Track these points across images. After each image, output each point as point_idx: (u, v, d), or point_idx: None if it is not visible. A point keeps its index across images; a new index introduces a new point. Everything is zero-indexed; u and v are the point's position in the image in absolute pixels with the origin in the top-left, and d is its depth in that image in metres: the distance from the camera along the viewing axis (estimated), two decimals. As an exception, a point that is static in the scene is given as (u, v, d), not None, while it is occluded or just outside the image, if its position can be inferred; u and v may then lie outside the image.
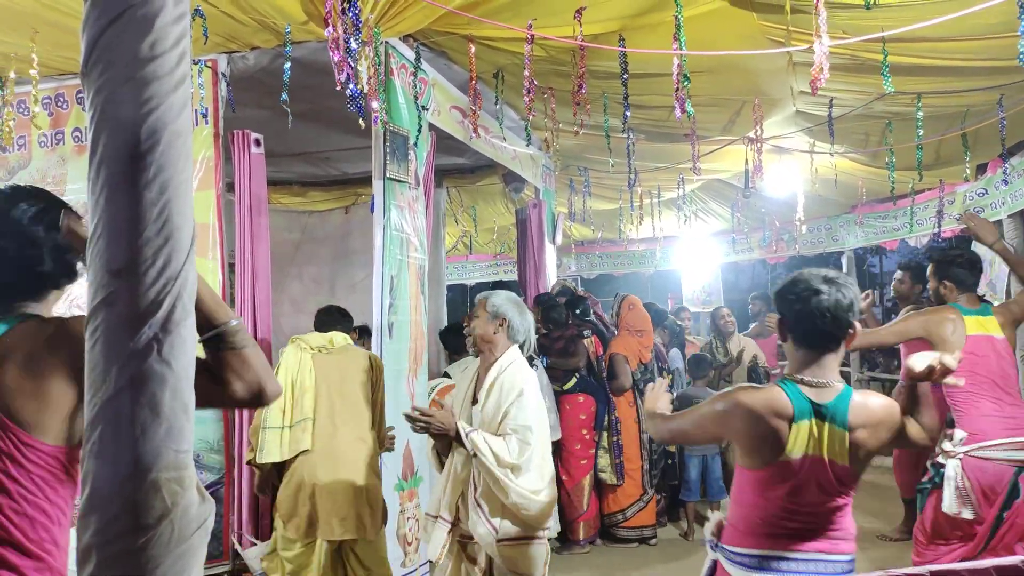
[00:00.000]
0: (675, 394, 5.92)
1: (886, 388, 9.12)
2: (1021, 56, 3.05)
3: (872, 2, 3.05)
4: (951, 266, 3.69)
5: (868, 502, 6.10)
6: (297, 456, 3.46)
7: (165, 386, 1.02)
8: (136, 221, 1.01)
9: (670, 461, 5.81)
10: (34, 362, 1.43)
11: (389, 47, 3.88)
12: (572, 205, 8.12)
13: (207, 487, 2.15)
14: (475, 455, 2.73)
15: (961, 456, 3.36)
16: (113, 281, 1.02)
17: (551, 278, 7.08)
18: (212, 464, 3.94)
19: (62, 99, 4.37)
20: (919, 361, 2.08)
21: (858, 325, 2.08)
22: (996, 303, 6.00)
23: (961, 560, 3.24)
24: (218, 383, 1.39)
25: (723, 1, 3.64)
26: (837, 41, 3.44)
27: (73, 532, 1.11)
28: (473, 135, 4.79)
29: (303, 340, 3.65)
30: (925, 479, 3.63)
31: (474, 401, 2.98)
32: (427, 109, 4.29)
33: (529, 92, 3.78)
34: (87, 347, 1.04)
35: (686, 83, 3.23)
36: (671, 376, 6.11)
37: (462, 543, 2.94)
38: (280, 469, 3.55)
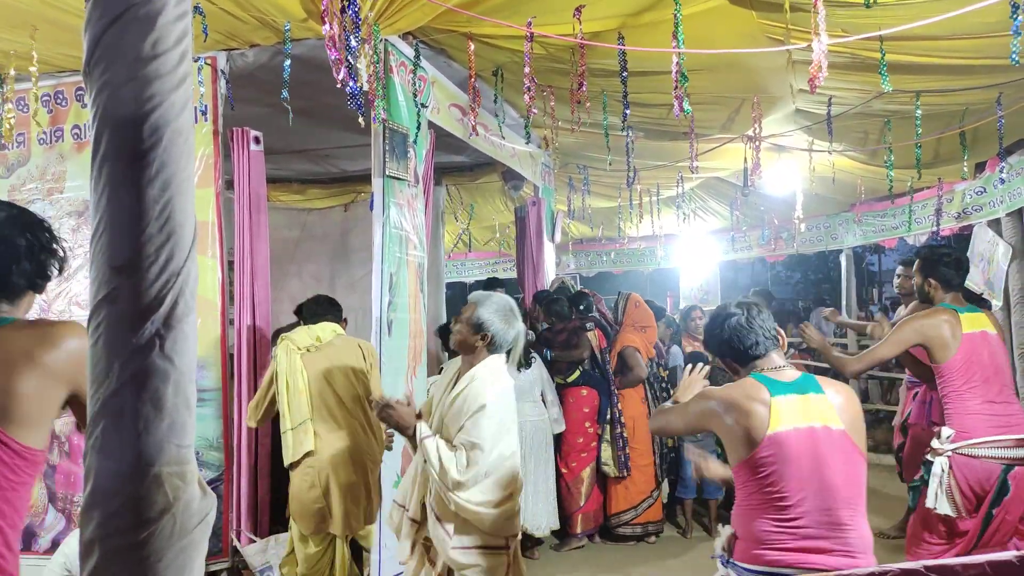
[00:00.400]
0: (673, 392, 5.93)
1: (884, 386, 9.13)
2: (1014, 55, 3.04)
3: (871, 1, 3.06)
4: (938, 265, 3.66)
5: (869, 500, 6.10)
6: (304, 457, 3.52)
7: (167, 381, 1.03)
8: (138, 218, 1.02)
9: (672, 455, 5.82)
10: (11, 365, 1.44)
11: (388, 45, 3.89)
12: (571, 203, 8.12)
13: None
14: (425, 461, 2.68)
15: (949, 453, 3.37)
16: (115, 277, 1.02)
17: (550, 276, 7.09)
18: (211, 461, 3.95)
19: (61, 96, 4.37)
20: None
21: (781, 332, 2.38)
22: (995, 302, 6.05)
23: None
24: None
25: (722, -1, 3.65)
26: (836, 39, 3.45)
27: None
28: (472, 133, 4.80)
29: (291, 339, 3.67)
30: (917, 476, 3.65)
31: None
32: (426, 107, 4.29)
33: (529, 90, 3.79)
34: (90, 343, 1.05)
35: (684, 82, 3.24)
36: (668, 372, 6.11)
37: (426, 545, 2.87)
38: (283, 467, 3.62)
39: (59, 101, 4.37)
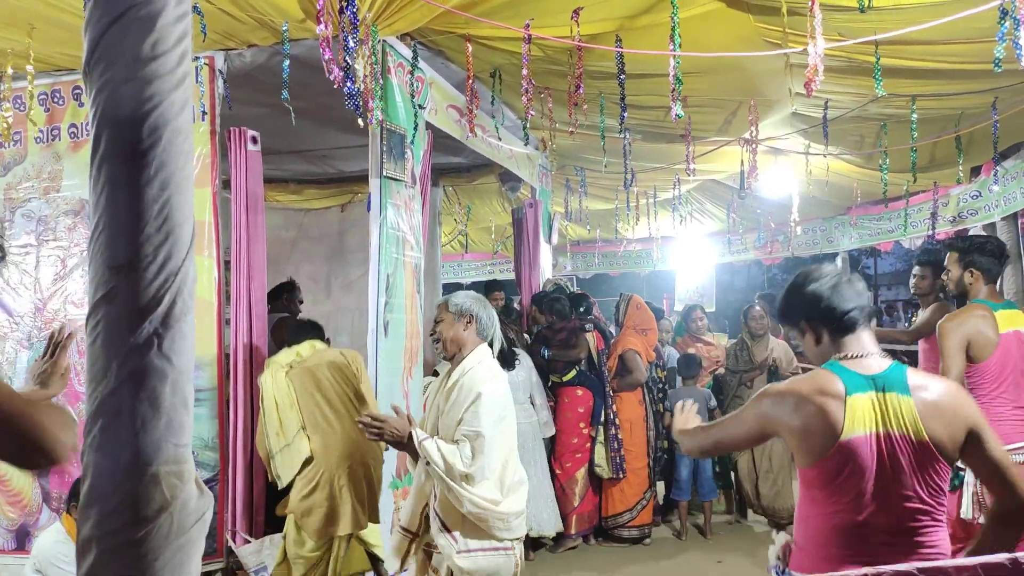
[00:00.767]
0: (668, 393, 5.94)
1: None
2: (996, 61, 3.04)
3: (867, 5, 3.07)
4: (978, 253, 3.38)
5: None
6: (304, 466, 3.57)
7: (165, 381, 1.04)
8: (137, 218, 1.03)
9: (666, 457, 5.83)
10: None
11: (386, 45, 3.89)
12: (568, 205, 8.14)
13: (203, 483, 2.16)
14: (428, 463, 2.62)
15: None
16: (114, 277, 1.03)
17: (546, 277, 7.10)
18: (207, 461, 3.94)
19: (58, 95, 4.36)
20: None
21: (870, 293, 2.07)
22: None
23: None
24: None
25: (720, 2, 3.66)
26: (832, 43, 3.46)
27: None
28: (470, 134, 4.80)
29: (274, 361, 3.78)
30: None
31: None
32: (424, 108, 4.30)
33: (527, 92, 3.80)
34: (88, 342, 1.05)
35: (679, 85, 3.25)
36: (666, 373, 6.12)
37: (427, 552, 2.85)
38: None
39: (56, 100, 4.36)
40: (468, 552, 2.68)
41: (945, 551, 1.90)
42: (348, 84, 3.18)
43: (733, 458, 5.71)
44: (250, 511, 4.02)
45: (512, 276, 8.03)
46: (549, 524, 5.18)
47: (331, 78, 3.12)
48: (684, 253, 11.95)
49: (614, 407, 5.50)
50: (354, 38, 3.15)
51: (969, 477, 3.28)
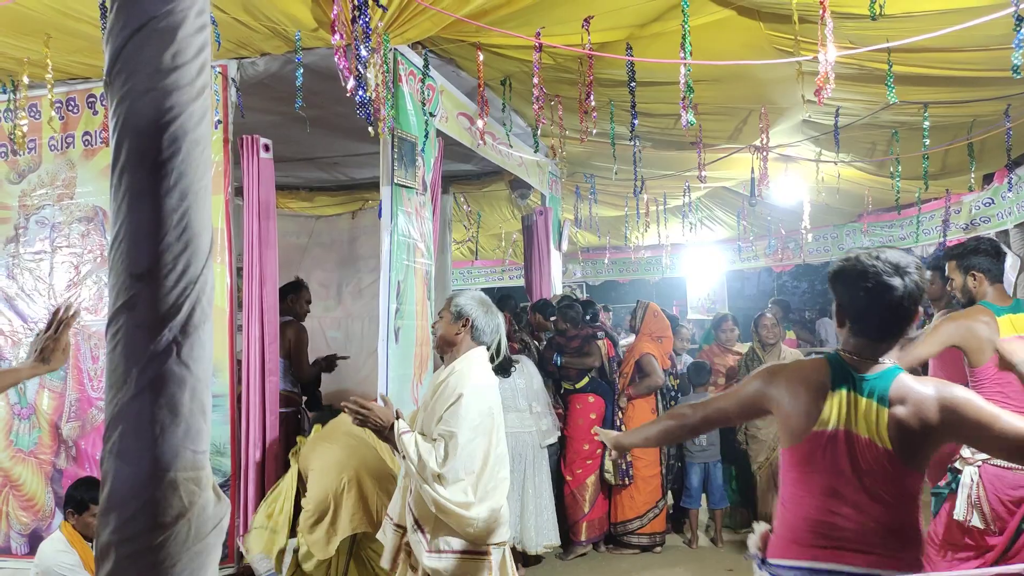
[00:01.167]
0: (680, 400, 5.93)
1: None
2: (1015, 67, 3.03)
3: (878, 12, 3.07)
4: (974, 255, 3.40)
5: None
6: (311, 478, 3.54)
7: (184, 388, 1.05)
8: (157, 227, 1.04)
9: (678, 465, 5.81)
10: None
11: (398, 54, 3.92)
12: (578, 212, 8.15)
13: (216, 489, 2.18)
14: (404, 457, 2.60)
15: (980, 464, 3.24)
16: (135, 285, 1.04)
17: (557, 284, 7.11)
18: (219, 467, 3.96)
19: (73, 103, 4.41)
20: None
21: (920, 309, 1.97)
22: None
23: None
24: None
25: (731, 11, 3.67)
26: (843, 51, 3.46)
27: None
28: (480, 142, 4.82)
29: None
30: (943, 483, 3.49)
31: None
32: (435, 115, 4.32)
33: (538, 100, 3.81)
34: (108, 349, 1.06)
35: (690, 92, 3.26)
36: (679, 381, 6.10)
37: (407, 550, 2.81)
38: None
39: (71, 108, 4.40)
40: (438, 553, 2.64)
41: (914, 537, 1.90)
42: (360, 93, 3.20)
43: (753, 474, 5.65)
44: (261, 517, 4.03)
45: (522, 283, 8.03)
46: (538, 540, 4.99)
47: (346, 87, 3.14)
48: (694, 260, 11.92)
49: (621, 414, 5.49)
50: (366, 47, 3.17)
51: (965, 479, 3.27)
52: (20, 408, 4.39)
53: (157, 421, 1.03)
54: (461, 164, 6.42)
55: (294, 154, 5.92)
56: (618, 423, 5.45)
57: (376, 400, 2.83)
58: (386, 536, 2.90)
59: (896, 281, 1.88)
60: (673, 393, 5.96)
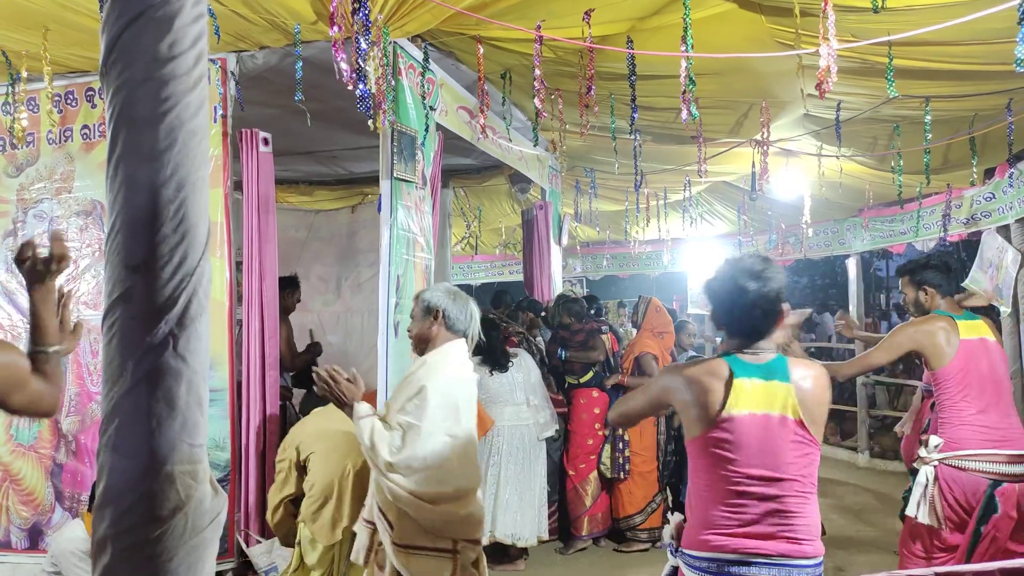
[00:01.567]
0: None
1: (891, 392, 9.10)
2: (1018, 62, 3.02)
3: (880, 5, 3.05)
4: (925, 270, 3.56)
5: (880, 505, 6.08)
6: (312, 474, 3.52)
7: (180, 380, 1.04)
8: (153, 218, 1.03)
9: (675, 460, 5.80)
10: None
11: (397, 47, 3.90)
12: (578, 206, 8.13)
13: (215, 483, 2.16)
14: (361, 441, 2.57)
15: (936, 463, 3.27)
16: (131, 277, 1.03)
17: (557, 279, 7.10)
18: (218, 461, 3.95)
19: (71, 96, 4.39)
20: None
21: (786, 307, 2.20)
22: (1004, 309, 6.02)
23: None
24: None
25: (732, 3, 3.65)
26: (845, 44, 3.44)
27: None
28: (480, 136, 4.81)
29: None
30: (908, 486, 3.52)
31: None
32: (435, 109, 4.30)
33: (538, 93, 3.79)
34: (104, 342, 1.06)
35: (691, 86, 3.24)
36: None
37: (378, 549, 2.75)
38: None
39: (69, 101, 4.39)
40: (400, 545, 2.59)
41: (815, 522, 2.11)
42: (360, 86, 3.19)
43: None
44: (261, 511, 4.03)
45: (521, 278, 8.03)
46: (528, 532, 4.95)
47: (344, 81, 3.12)
48: (694, 255, 11.91)
49: None
50: (366, 40, 3.15)
51: (920, 478, 3.30)
52: (19, 402, 4.38)
53: (153, 414, 1.02)
54: (461, 158, 6.40)
55: (293, 148, 5.91)
56: None
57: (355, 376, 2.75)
58: (359, 532, 2.86)
59: (752, 285, 2.14)
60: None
